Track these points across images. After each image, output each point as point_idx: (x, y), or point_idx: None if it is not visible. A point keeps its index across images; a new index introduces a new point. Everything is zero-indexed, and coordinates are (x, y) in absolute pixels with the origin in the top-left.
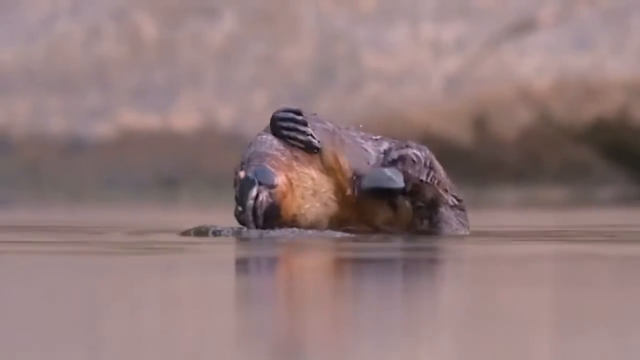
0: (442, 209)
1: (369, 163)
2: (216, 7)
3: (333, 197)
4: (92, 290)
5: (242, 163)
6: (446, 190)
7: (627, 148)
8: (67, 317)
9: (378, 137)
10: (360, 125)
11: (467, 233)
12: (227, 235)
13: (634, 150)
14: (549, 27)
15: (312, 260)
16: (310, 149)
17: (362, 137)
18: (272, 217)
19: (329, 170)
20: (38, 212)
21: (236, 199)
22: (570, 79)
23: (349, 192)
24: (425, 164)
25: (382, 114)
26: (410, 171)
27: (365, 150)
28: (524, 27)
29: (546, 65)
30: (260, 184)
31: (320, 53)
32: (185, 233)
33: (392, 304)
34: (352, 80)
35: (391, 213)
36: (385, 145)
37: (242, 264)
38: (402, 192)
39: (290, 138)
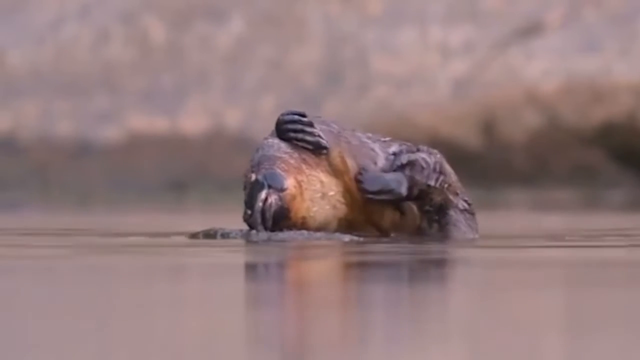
0: (452, 212)
1: (376, 164)
2: (224, 11)
3: (342, 199)
4: (100, 294)
5: (252, 166)
6: (456, 194)
7: (636, 151)
8: (75, 320)
9: (387, 138)
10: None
11: (476, 236)
12: (235, 238)
13: None
14: (556, 31)
15: (320, 264)
16: (319, 149)
17: (369, 138)
18: (281, 219)
19: (337, 172)
20: (46, 215)
21: (245, 202)
22: (578, 82)
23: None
24: (434, 169)
25: (390, 117)
26: (418, 177)
27: (373, 150)
28: (531, 30)
29: (554, 69)
30: (269, 187)
31: (328, 56)
32: (194, 236)
33: (401, 309)
34: (360, 84)
35: (398, 216)
36: (394, 147)
37: (250, 267)
38: (407, 198)
39: (298, 140)
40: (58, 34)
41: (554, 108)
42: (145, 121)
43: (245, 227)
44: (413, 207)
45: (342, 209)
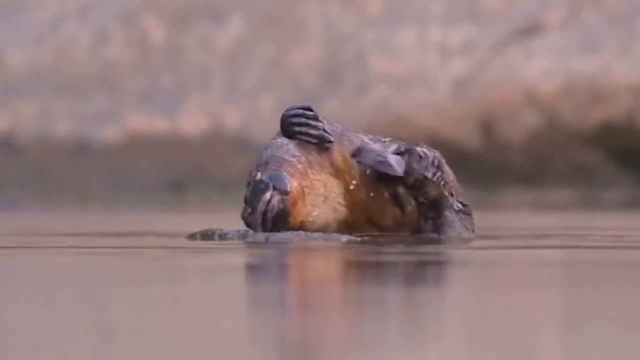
0: (447, 213)
1: None
2: (224, 11)
3: (342, 201)
4: (98, 294)
5: (259, 165)
6: (452, 195)
7: (635, 151)
8: (72, 321)
9: (387, 139)
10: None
11: (472, 237)
12: (233, 239)
13: None
14: (556, 31)
15: (318, 265)
16: (324, 142)
17: (370, 140)
18: (281, 222)
19: (339, 172)
20: (45, 215)
21: (246, 199)
22: (578, 83)
23: (353, 185)
24: (432, 163)
25: (389, 118)
26: (415, 165)
27: (367, 144)
28: (531, 30)
29: (554, 69)
30: (274, 188)
31: (328, 57)
32: (192, 237)
33: (399, 310)
34: (359, 84)
35: (399, 213)
36: (394, 148)
37: (248, 269)
38: (404, 185)
39: (302, 134)
40: (57, 34)
41: (554, 108)
42: (144, 121)
43: (243, 227)
44: (412, 201)
45: (342, 212)
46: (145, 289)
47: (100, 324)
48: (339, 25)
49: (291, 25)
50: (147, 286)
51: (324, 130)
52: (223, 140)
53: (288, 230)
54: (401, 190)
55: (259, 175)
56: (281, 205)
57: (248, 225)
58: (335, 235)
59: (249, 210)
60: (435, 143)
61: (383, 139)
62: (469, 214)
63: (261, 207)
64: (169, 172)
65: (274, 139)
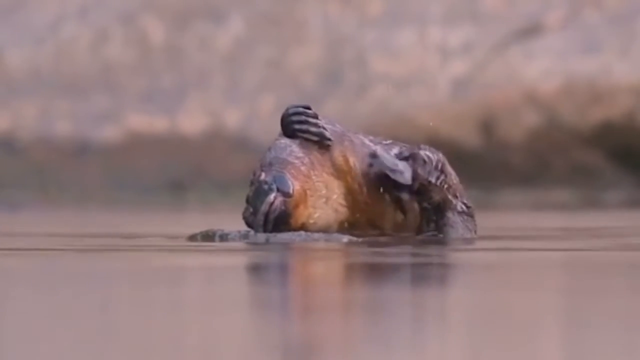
0: (449, 214)
1: None
2: (224, 11)
3: (343, 202)
4: (97, 295)
5: (262, 165)
6: (456, 196)
7: (635, 151)
8: (72, 322)
9: (389, 141)
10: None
11: (474, 237)
12: (234, 240)
13: None
14: (556, 31)
15: (319, 266)
16: (324, 140)
17: (371, 141)
18: (282, 224)
19: (339, 172)
20: (45, 215)
21: (248, 198)
22: (578, 83)
23: (359, 188)
24: (436, 167)
25: (389, 118)
26: (419, 170)
27: (378, 151)
28: (531, 31)
29: (554, 69)
30: (277, 190)
31: (328, 57)
32: (192, 237)
33: (400, 310)
34: (359, 84)
35: (401, 217)
36: (395, 150)
37: (249, 270)
38: (409, 190)
39: (303, 131)
40: (57, 34)
41: (554, 108)
42: (144, 121)
43: (243, 227)
44: (414, 205)
45: (343, 212)
46: (145, 290)
47: (100, 325)
48: (339, 25)
49: (291, 25)
50: (148, 287)
51: (324, 128)
52: (223, 140)
53: (289, 231)
54: (405, 195)
55: (263, 176)
56: (283, 207)
57: (249, 224)
58: (336, 235)
59: (251, 210)
60: (435, 143)
61: (384, 141)
62: (472, 216)
63: (264, 208)
64: (168, 172)
65: (276, 139)
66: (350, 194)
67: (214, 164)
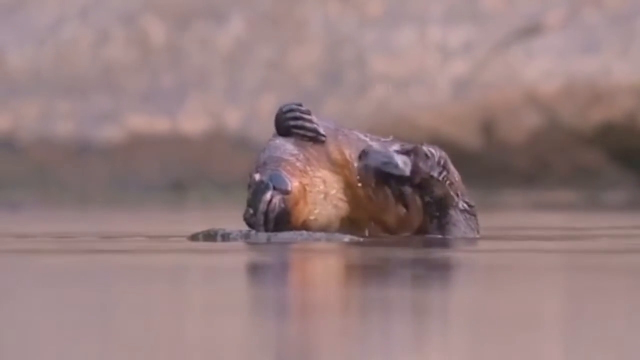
0: (452, 212)
1: None
2: (224, 11)
3: (342, 196)
4: (98, 295)
5: (257, 166)
6: (458, 194)
7: (636, 152)
8: (72, 322)
9: (389, 139)
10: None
11: (477, 236)
12: (235, 239)
13: None
14: (556, 31)
15: (320, 266)
16: (319, 135)
17: (366, 136)
18: (283, 222)
19: (337, 166)
20: (45, 215)
21: (248, 201)
22: (578, 83)
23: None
24: (438, 162)
25: (389, 118)
26: (421, 164)
27: (371, 146)
28: (531, 31)
29: (554, 69)
30: (274, 188)
31: (328, 57)
32: (194, 237)
33: (402, 311)
34: (359, 84)
35: (403, 211)
36: (396, 146)
37: (251, 269)
38: (410, 184)
39: (298, 127)
40: (58, 34)
41: (554, 108)
42: (145, 121)
43: (245, 227)
44: (417, 199)
45: (343, 207)
46: (147, 289)
47: (100, 325)
48: (339, 25)
49: (291, 25)
50: (149, 287)
51: (317, 124)
52: (223, 140)
53: (290, 230)
54: (407, 189)
55: (259, 176)
56: (282, 205)
57: (250, 226)
58: (337, 235)
59: (251, 211)
60: (435, 143)
61: (383, 138)
62: (474, 215)
63: (262, 207)
64: (169, 172)
65: (270, 140)
66: (349, 188)
67: (214, 164)
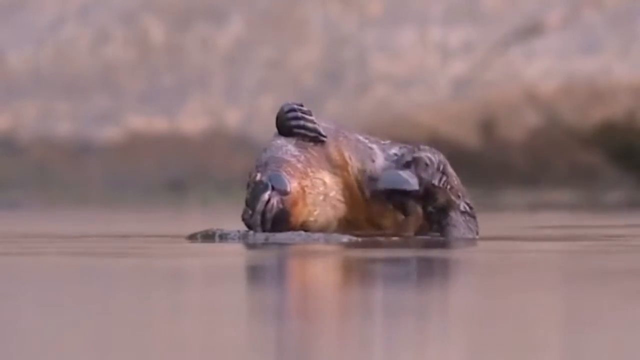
0: (452, 214)
1: (373, 161)
2: (224, 11)
3: (341, 197)
4: (97, 296)
5: (258, 166)
6: (458, 196)
7: (635, 151)
8: (71, 323)
9: (387, 141)
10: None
11: (476, 238)
12: (233, 240)
13: None
14: (556, 31)
15: (319, 267)
16: (319, 135)
17: (366, 139)
18: (281, 222)
19: (336, 168)
20: (45, 215)
21: (247, 200)
22: (578, 83)
23: (360, 192)
24: (438, 168)
25: (389, 118)
26: (423, 175)
27: (370, 148)
28: (531, 30)
29: (554, 69)
30: (273, 188)
31: (328, 56)
32: (192, 237)
33: (401, 311)
34: (359, 84)
35: (401, 217)
36: (394, 149)
37: (248, 270)
38: (416, 195)
39: (300, 127)
40: (58, 34)
41: (554, 108)
42: (145, 121)
43: (243, 227)
44: (417, 208)
45: (341, 208)
46: (145, 290)
47: (99, 324)
48: (339, 25)
49: (291, 25)
50: (148, 287)
51: (317, 125)
52: (223, 139)
53: (289, 229)
54: (410, 202)
55: (259, 176)
56: (280, 206)
57: (249, 226)
58: (335, 235)
59: (250, 212)
60: (435, 143)
61: (382, 141)
62: (474, 216)
63: (259, 207)
64: (169, 172)
65: (272, 140)
66: (347, 189)
67: (214, 163)
